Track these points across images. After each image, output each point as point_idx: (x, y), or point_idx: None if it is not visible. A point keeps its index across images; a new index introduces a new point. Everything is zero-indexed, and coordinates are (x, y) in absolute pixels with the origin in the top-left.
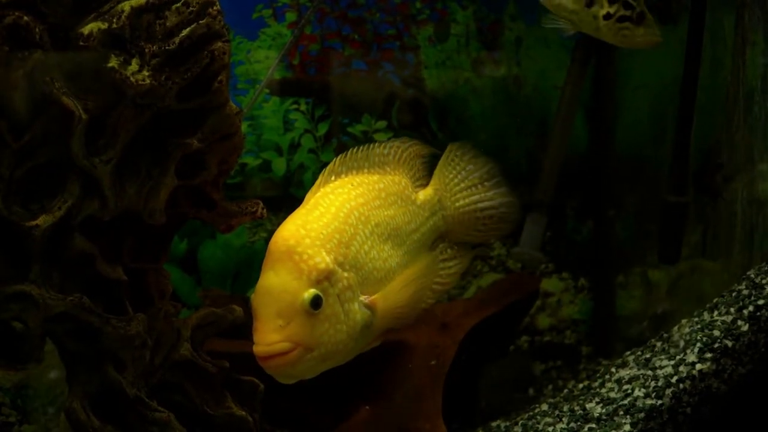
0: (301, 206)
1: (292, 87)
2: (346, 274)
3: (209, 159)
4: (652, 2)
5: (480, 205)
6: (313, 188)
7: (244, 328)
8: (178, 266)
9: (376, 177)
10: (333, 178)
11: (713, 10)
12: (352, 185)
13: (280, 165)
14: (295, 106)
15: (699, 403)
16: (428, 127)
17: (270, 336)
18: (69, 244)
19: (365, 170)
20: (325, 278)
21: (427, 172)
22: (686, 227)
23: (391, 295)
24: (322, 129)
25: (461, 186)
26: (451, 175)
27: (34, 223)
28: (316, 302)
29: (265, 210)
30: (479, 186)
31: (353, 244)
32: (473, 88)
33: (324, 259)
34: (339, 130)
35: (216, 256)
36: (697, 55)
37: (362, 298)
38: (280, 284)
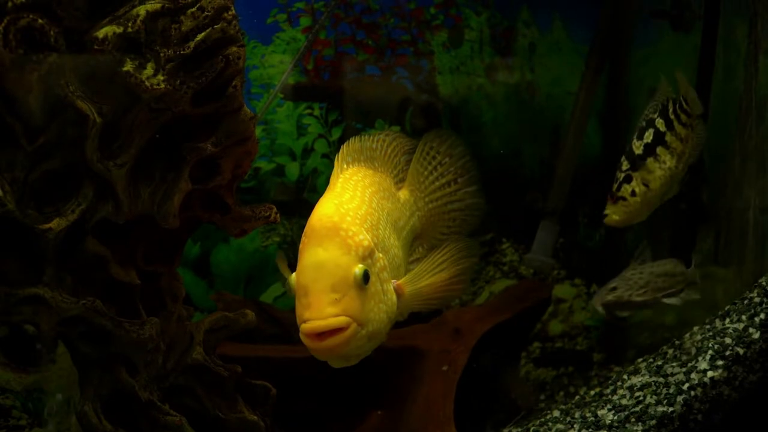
0: (329, 190)
1: (305, 92)
2: (380, 255)
3: (223, 163)
4: (666, 10)
5: (449, 206)
6: (335, 172)
7: (256, 333)
8: (191, 270)
9: (369, 171)
10: (345, 165)
11: (726, 18)
12: (362, 175)
13: (293, 169)
14: (308, 110)
15: (710, 411)
16: None
17: (326, 309)
18: (82, 248)
19: (361, 163)
20: (369, 255)
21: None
22: (698, 234)
23: (420, 279)
24: (336, 134)
25: (434, 186)
26: (425, 173)
27: (47, 226)
28: (366, 276)
29: (278, 214)
30: (452, 184)
31: (380, 228)
32: (486, 94)
33: (366, 237)
34: (352, 135)
35: (229, 260)
36: (710, 63)
37: (391, 280)
38: (331, 259)
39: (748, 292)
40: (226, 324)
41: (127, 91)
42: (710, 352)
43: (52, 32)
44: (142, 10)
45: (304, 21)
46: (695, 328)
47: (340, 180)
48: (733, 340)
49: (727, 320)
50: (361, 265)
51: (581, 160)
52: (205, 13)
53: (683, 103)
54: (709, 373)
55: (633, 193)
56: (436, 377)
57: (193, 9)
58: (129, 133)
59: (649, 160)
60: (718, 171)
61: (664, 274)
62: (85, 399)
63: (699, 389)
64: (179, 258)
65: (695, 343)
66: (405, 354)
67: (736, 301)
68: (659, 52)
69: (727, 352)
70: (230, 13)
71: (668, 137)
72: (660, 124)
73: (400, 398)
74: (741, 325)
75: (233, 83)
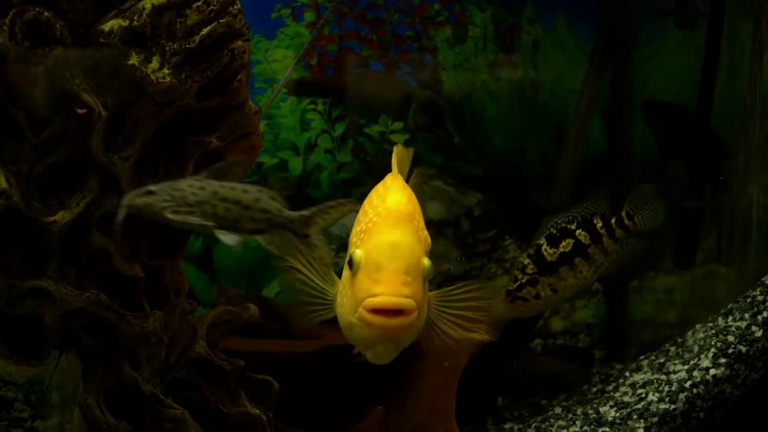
0: (390, 184)
1: (309, 87)
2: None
3: (228, 157)
4: (671, 8)
5: None
6: (394, 172)
7: (258, 328)
8: (193, 264)
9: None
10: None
11: (731, 16)
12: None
13: (296, 164)
14: (312, 106)
15: (712, 408)
16: (445, 129)
17: (401, 288)
18: (87, 241)
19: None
20: (427, 252)
21: None
22: (701, 233)
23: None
24: (339, 129)
25: None
26: None
27: (52, 218)
28: (431, 271)
29: None
30: None
31: (424, 230)
32: (490, 91)
33: (428, 235)
34: (355, 131)
35: (231, 255)
36: (715, 61)
37: None
38: (408, 243)
39: (751, 290)
40: (229, 318)
41: (133, 84)
42: (713, 349)
43: (57, 25)
44: (147, 4)
45: (308, 16)
46: (698, 326)
47: (399, 179)
48: (735, 338)
49: (730, 318)
50: (427, 258)
51: (584, 158)
52: (211, 7)
53: (625, 219)
54: (712, 371)
55: (537, 296)
56: (437, 373)
57: (199, 3)
58: (134, 127)
59: (564, 269)
60: (722, 169)
61: (236, 202)
62: (88, 392)
63: (701, 387)
64: (182, 252)
65: (698, 341)
66: (407, 349)
67: (739, 300)
68: (664, 50)
69: (730, 350)
70: (235, 7)
71: (591, 249)
72: (582, 236)
73: (402, 393)
74: (744, 324)
75: (238, 77)
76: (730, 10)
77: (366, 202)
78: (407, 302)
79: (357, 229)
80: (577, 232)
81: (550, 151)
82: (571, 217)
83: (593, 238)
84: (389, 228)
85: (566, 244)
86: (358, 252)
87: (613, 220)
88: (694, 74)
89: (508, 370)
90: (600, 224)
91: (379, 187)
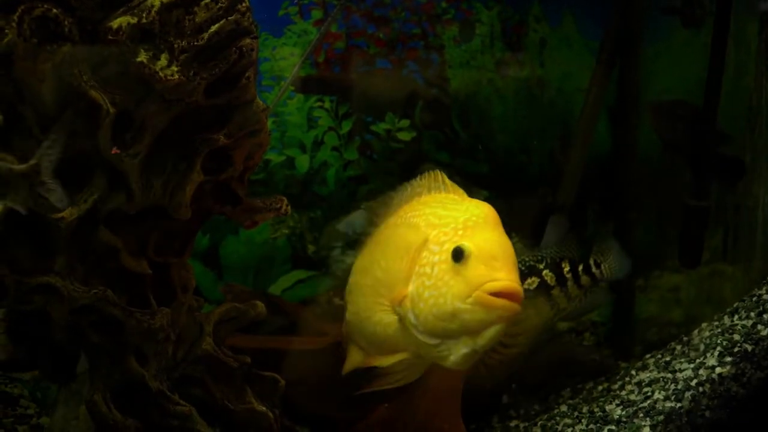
0: (454, 198)
1: (316, 84)
2: None
3: (235, 155)
4: (677, 7)
5: None
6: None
7: (264, 324)
8: (200, 261)
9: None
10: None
11: (737, 15)
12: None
13: (303, 162)
14: (319, 103)
15: (718, 407)
16: (451, 127)
17: (516, 276)
18: (94, 237)
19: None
20: None
21: None
22: (707, 231)
23: None
24: (346, 126)
25: None
26: None
27: (60, 215)
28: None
29: (289, 206)
30: None
31: None
32: (497, 89)
33: None
34: (362, 129)
35: (238, 252)
36: (721, 60)
37: None
38: (509, 243)
39: (756, 289)
40: (235, 315)
41: (141, 81)
42: (719, 348)
43: (66, 22)
44: (156, 1)
45: (316, 14)
46: (704, 325)
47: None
48: (741, 336)
49: (736, 317)
50: None
51: (591, 156)
52: (219, 4)
53: (592, 267)
54: (718, 370)
55: None
56: (444, 371)
57: (207, 0)
58: (142, 124)
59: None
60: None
61: None
62: (95, 388)
63: (707, 385)
64: (190, 249)
65: (704, 340)
66: None
67: (745, 298)
68: (670, 49)
69: (736, 349)
70: (244, 4)
71: (555, 292)
72: (548, 276)
73: (408, 391)
74: (750, 322)
75: (246, 75)
76: (736, 9)
77: (414, 211)
78: (521, 290)
79: (436, 233)
80: (544, 272)
81: (557, 148)
82: (540, 257)
83: (559, 280)
84: (492, 227)
85: (531, 282)
86: (466, 244)
87: (580, 267)
88: (700, 73)
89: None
90: (567, 268)
91: (440, 197)
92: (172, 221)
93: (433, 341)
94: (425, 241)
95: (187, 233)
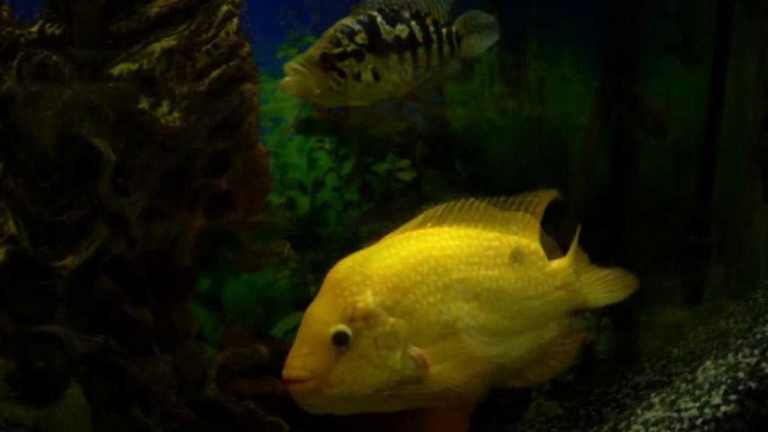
0: (376, 244)
1: (316, 125)
2: (392, 320)
3: (237, 199)
4: (677, 43)
5: None
6: (399, 229)
7: (266, 367)
8: (201, 303)
9: (491, 235)
10: (429, 224)
11: (735, 51)
12: (446, 236)
13: (304, 203)
14: (319, 144)
15: None
16: (452, 166)
17: (293, 360)
18: (96, 285)
19: (480, 225)
20: (362, 318)
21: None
22: (708, 267)
23: (445, 355)
24: (347, 167)
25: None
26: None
27: (61, 263)
28: (339, 339)
29: (291, 250)
30: None
31: (414, 292)
32: (496, 128)
33: (365, 300)
34: (363, 169)
35: (240, 294)
36: (720, 96)
37: (412, 348)
38: (315, 314)
39: (760, 325)
40: (239, 360)
41: (142, 128)
42: (724, 386)
43: (66, 69)
44: (157, 48)
45: None
46: (708, 363)
47: (395, 237)
48: (746, 374)
49: (740, 354)
50: (340, 326)
51: (590, 193)
52: (220, 50)
53: (454, 38)
54: (723, 408)
55: (357, 77)
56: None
57: (208, 46)
58: (143, 171)
59: (393, 57)
60: (728, 205)
61: None
62: None
63: (713, 424)
64: (191, 294)
65: (708, 378)
66: None
67: (748, 335)
68: (669, 85)
69: (740, 387)
70: (245, 50)
71: (420, 52)
72: (418, 32)
73: (415, 418)
74: (754, 360)
75: (248, 120)
76: (734, 45)
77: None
78: (294, 374)
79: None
80: (413, 23)
81: (557, 187)
82: (408, 2)
83: (425, 39)
84: (315, 299)
85: (401, 30)
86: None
87: (444, 30)
88: (699, 109)
89: None
90: (433, 29)
91: None
92: (173, 267)
93: None
94: None
95: (189, 278)
